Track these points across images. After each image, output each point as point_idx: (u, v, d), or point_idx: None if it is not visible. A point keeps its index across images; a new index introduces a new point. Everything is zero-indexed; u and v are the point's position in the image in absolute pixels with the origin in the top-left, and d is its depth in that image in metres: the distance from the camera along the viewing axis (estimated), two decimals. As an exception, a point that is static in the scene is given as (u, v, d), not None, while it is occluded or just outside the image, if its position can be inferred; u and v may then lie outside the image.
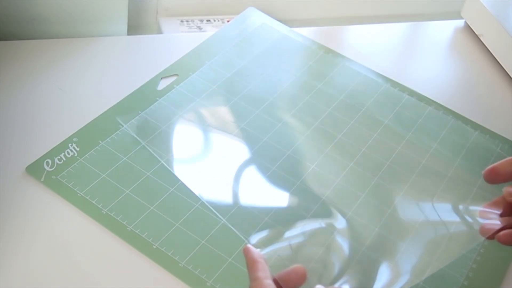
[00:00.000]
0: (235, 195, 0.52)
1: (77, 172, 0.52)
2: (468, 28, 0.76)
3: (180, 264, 0.47)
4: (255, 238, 0.49)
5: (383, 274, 0.49)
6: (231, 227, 0.50)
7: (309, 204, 0.53)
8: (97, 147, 0.54)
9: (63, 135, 0.55)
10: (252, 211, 0.51)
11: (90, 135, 0.55)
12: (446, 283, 0.49)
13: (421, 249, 0.51)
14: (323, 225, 0.51)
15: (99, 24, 0.66)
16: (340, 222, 0.52)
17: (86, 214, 0.49)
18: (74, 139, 0.54)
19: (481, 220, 0.45)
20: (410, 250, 0.51)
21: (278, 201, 0.53)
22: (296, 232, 0.51)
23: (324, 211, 0.52)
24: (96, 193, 0.51)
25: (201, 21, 0.75)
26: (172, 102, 0.59)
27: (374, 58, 0.69)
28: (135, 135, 0.55)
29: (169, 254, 0.48)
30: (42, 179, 0.51)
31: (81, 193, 0.50)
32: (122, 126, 0.56)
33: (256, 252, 0.39)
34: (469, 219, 0.53)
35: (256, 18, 0.71)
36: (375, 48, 0.72)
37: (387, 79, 0.66)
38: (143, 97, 0.59)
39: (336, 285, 0.48)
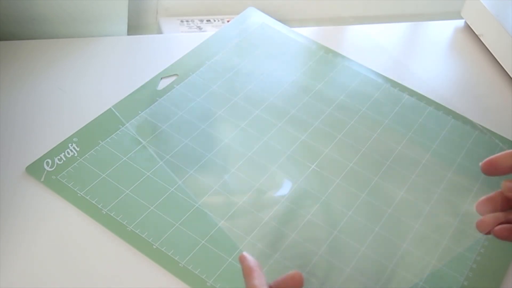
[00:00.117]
0: (235, 195, 0.52)
1: (77, 172, 0.52)
2: (468, 28, 0.76)
3: (180, 264, 0.47)
4: (254, 238, 0.49)
5: (383, 274, 0.49)
6: (230, 229, 0.50)
7: (309, 204, 0.53)
8: (97, 147, 0.54)
9: (63, 135, 0.55)
10: (252, 212, 0.51)
11: (90, 135, 0.55)
12: (446, 283, 0.49)
13: (421, 249, 0.51)
14: (324, 225, 0.51)
15: (99, 24, 0.66)
16: (340, 222, 0.52)
17: (86, 214, 0.49)
18: (74, 139, 0.54)
19: (479, 213, 0.45)
20: (410, 250, 0.51)
21: (278, 201, 0.53)
22: (295, 232, 0.50)
23: (324, 211, 0.52)
24: (96, 193, 0.51)
25: (201, 21, 0.75)
26: (172, 102, 0.59)
27: (374, 58, 0.69)
28: (134, 135, 0.55)
29: (169, 254, 0.48)
30: (42, 179, 0.51)
31: (81, 193, 0.51)
32: (120, 127, 0.56)
33: (252, 260, 0.39)
34: (469, 219, 0.54)
35: (256, 18, 0.71)
36: (375, 48, 0.72)
37: (387, 79, 0.66)
38: (143, 97, 0.59)
39: (336, 285, 0.48)
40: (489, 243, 0.52)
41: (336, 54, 0.68)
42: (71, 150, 0.54)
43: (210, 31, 0.71)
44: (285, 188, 0.54)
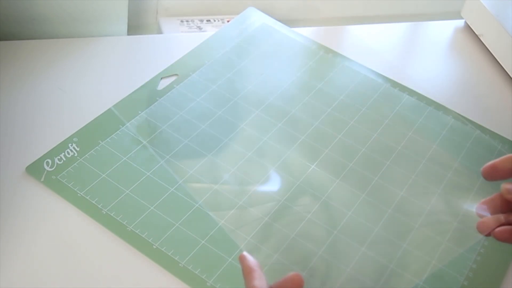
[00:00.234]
0: (234, 195, 0.52)
1: (77, 172, 0.52)
2: (468, 28, 0.76)
3: (180, 264, 0.47)
4: (256, 238, 0.50)
5: (383, 274, 0.49)
6: (230, 229, 0.50)
7: (309, 204, 0.53)
8: (97, 147, 0.54)
9: (63, 135, 0.55)
10: (251, 212, 0.51)
11: (90, 135, 0.55)
12: (446, 283, 0.49)
13: (421, 249, 0.51)
14: (324, 225, 0.51)
15: (99, 24, 0.66)
16: (340, 222, 0.52)
17: (86, 214, 0.49)
18: (74, 139, 0.54)
19: (479, 216, 0.45)
20: (410, 250, 0.51)
21: (278, 201, 0.53)
22: (295, 232, 0.50)
23: (324, 211, 0.52)
24: (96, 193, 0.51)
25: (201, 21, 0.75)
26: (172, 102, 0.59)
27: (374, 58, 0.69)
28: (134, 135, 0.55)
29: (169, 254, 0.48)
30: (42, 179, 0.51)
31: (81, 193, 0.51)
32: (120, 127, 0.56)
33: (252, 260, 0.39)
34: (469, 219, 0.54)
35: (256, 18, 0.71)
36: (375, 48, 0.72)
37: (387, 79, 0.66)
38: (143, 97, 0.59)
39: (336, 285, 0.48)
40: (489, 243, 0.52)
41: (336, 54, 0.68)
42: (71, 150, 0.54)
43: (210, 31, 0.71)
44: (285, 188, 0.54)
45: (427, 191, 0.55)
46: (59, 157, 0.53)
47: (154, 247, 0.48)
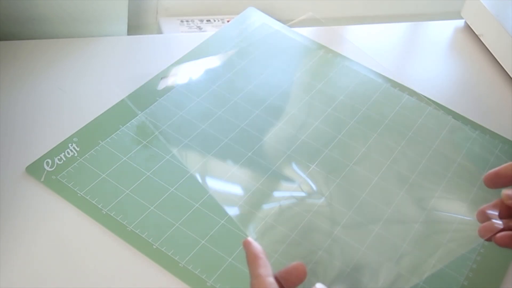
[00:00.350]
0: (234, 195, 0.52)
1: (77, 172, 0.52)
2: (468, 28, 0.76)
3: (180, 264, 0.47)
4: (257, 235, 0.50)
5: (383, 274, 0.49)
6: (230, 229, 0.50)
7: (309, 204, 0.53)
8: (97, 147, 0.54)
9: (63, 135, 0.55)
10: (251, 211, 0.51)
11: (90, 135, 0.55)
12: (446, 283, 0.49)
13: (421, 249, 0.51)
14: (324, 224, 0.51)
15: (99, 24, 0.66)
16: (340, 222, 0.52)
17: (86, 214, 0.49)
18: (74, 139, 0.54)
19: (479, 221, 0.45)
20: (410, 250, 0.51)
21: (278, 201, 0.53)
22: (296, 230, 0.50)
23: (324, 211, 0.52)
24: (96, 193, 0.51)
25: (201, 21, 0.75)
26: (172, 102, 0.59)
27: (374, 58, 0.69)
28: (134, 135, 0.55)
29: (169, 254, 0.48)
30: (42, 179, 0.51)
31: (81, 193, 0.51)
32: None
33: (258, 246, 0.38)
34: (469, 219, 0.54)
35: (256, 18, 0.71)
36: (375, 48, 0.72)
37: (387, 79, 0.66)
38: (143, 97, 0.59)
39: (336, 285, 0.48)
40: (489, 244, 0.52)
41: (336, 54, 0.68)
42: (71, 150, 0.54)
43: (210, 31, 0.71)
44: (285, 188, 0.54)
45: (427, 190, 0.55)
46: (59, 157, 0.53)
47: (154, 247, 0.48)
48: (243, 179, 0.54)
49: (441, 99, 0.65)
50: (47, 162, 0.52)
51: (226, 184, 0.53)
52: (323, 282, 0.47)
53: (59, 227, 0.49)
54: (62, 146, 0.54)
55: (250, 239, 0.39)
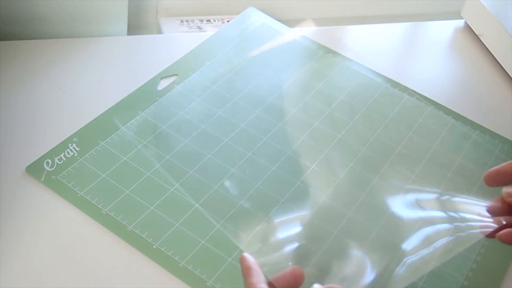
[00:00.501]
0: (234, 196, 0.52)
1: (77, 172, 0.52)
2: (468, 28, 0.76)
3: (180, 264, 0.47)
4: (253, 239, 0.49)
5: (383, 274, 0.49)
6: (230, 229, 0.50)
7: (309, 204, 0.53)
8: (97, 147, 0.54)
9: (63, 135, 0.55)
10: (251, 212, 0.51)
11: (90, 135, 0.55)
12: (446, 283, 0.49)
13: (421, 248, 0.51)
14: (324, 225, 0.51)
15: (99, 24, 0.66)
16: (339, 223, 0.52)
17: (86, 214, 0.49)
18: (74, 139, 0.54)
19: (480, 219, 0.45)
20: (410, 250, 0.51)
21: (278, 201, 0.53)
22: (294, 233, 0.50)
23: (324, 211, 0.52)
24: (96, 193, 0.51)
25: (201, 21, 0.75)
26: (172, 102, 0.59)
27: (374, 58, 0.69)
28: (134, 135, 0.55)
29: (169, 254, 0.48)
30: (42, 179, 0.51)
31: (81, 193, 0.51)
32: (120, 127, 0.56)
33: (251, 260, 0.39)
34: (469, 219, 0.54)
35: (256, 18, 0.71)
36: (375, 48, 0.72)
37: (387, 79, 0.66)
38: (143, 97, 0.59)
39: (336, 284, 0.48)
40: (489, 243, 0.52)
41: (336, 54, 0.68)
42: (71, 150, 0.54)
43: (210, 31, 0.71)
44: (285, 188, 0.54)
45: (427, 191, 0.55)
46: (59, 157, 0.53)
47: (154, 247, 0.48)
48: (243, 178, 0.54)
49: (441, 99, 0.65)
50: (47, 162, 0.52)
51: (226, 184, 0.53)
52: (322, 283, 0.47)
53: (59, 227, 0.49)
54: (62, 146, 0.54)
55: (245, 254, 0.40)
